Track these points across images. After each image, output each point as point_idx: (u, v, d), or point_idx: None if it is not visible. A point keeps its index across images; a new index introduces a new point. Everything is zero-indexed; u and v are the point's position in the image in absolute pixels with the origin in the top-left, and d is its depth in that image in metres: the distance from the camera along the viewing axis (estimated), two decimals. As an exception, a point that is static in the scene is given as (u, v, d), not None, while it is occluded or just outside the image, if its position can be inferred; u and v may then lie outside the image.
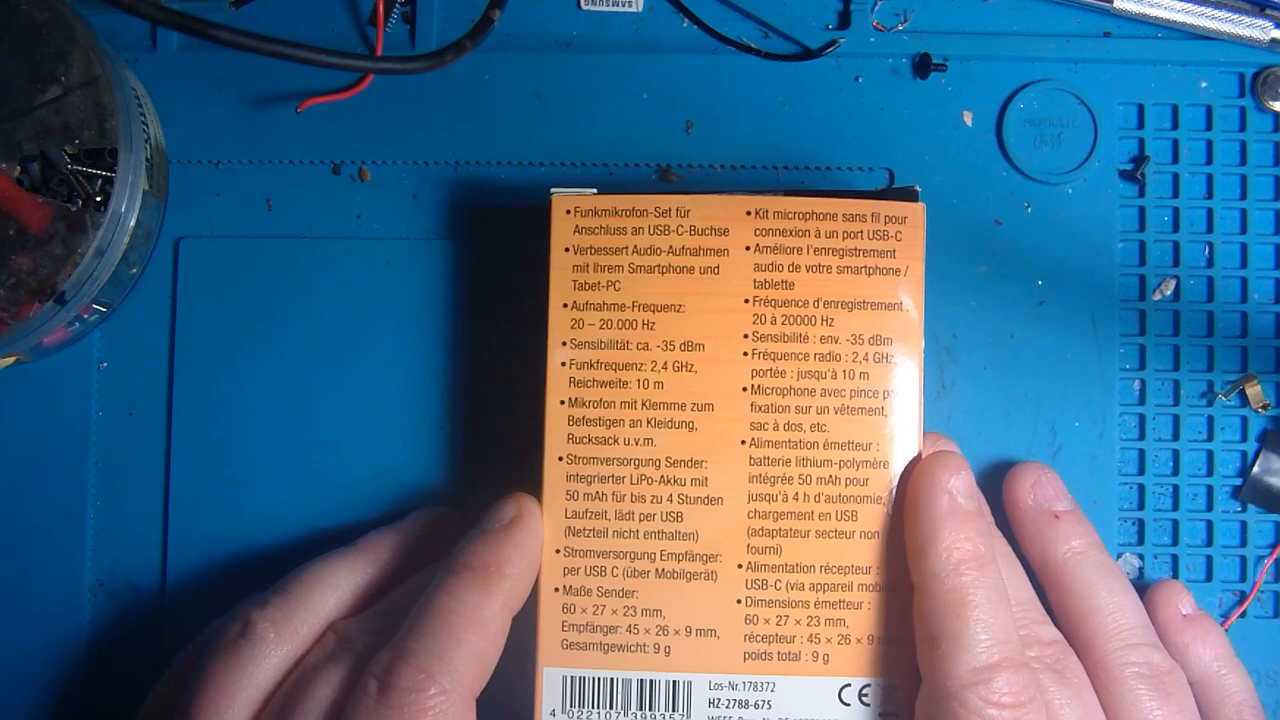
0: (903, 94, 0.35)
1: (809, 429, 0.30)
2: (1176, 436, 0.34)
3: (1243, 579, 0.34)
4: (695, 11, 0.35)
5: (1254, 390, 0.34)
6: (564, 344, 0.30)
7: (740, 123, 0.35)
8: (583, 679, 0.30)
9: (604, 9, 0.36)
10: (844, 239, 0.30)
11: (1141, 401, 0.34)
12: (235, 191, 0.35)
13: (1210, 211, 0.35)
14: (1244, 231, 0.35)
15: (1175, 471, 0.34)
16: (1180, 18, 0.35)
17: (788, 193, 0.31)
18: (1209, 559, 0.34)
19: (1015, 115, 0.35)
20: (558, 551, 0.30)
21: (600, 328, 0.30)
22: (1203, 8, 0.34)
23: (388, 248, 0.35)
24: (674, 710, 0.30)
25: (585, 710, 0.30)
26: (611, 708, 0.30)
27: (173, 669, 0.31)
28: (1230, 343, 0.34)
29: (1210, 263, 0.35)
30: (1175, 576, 0.34)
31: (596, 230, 0.30)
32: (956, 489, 0.29)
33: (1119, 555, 0.34)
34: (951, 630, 0.28)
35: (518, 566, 0.29)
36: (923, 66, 0.35)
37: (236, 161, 0.35)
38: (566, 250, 0.30)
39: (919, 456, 0.30)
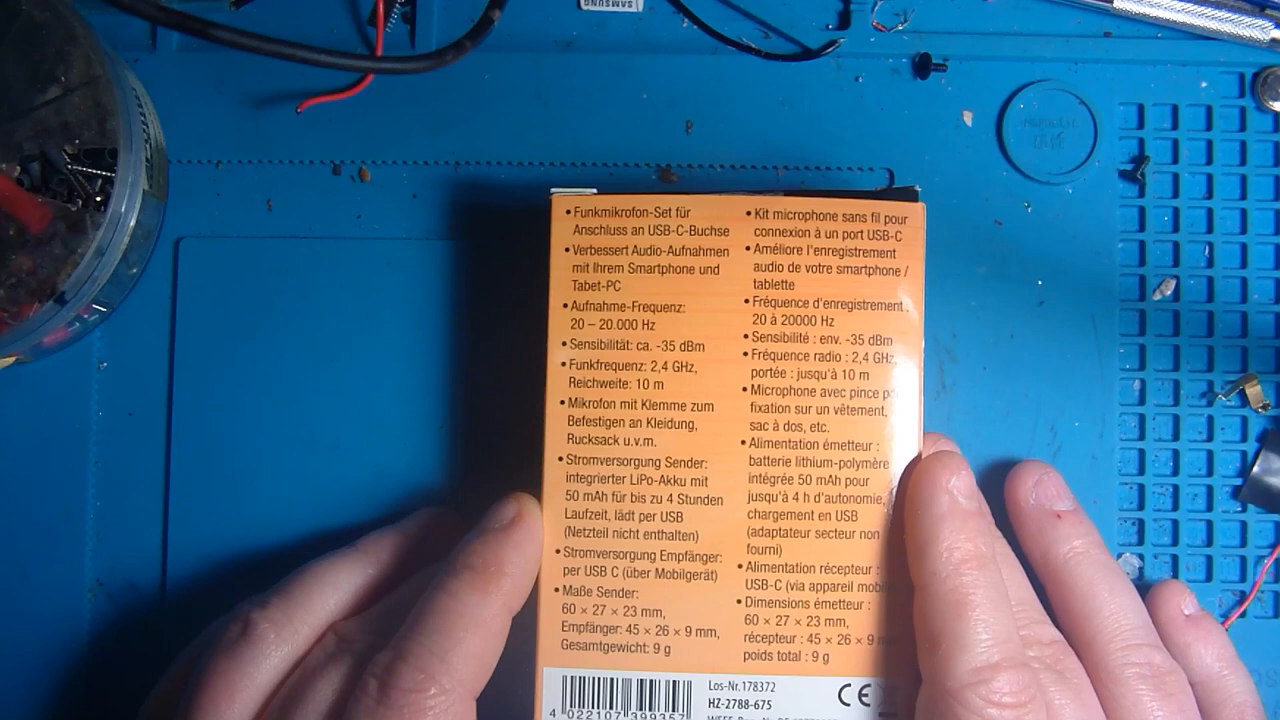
0: (903, 94, 0.35)
1: (809, 429, 0.30)
2: (1176, 436, 0.34)
3: (1243, 579, 0.34)
4: (695, 11, 0.35)
5: (1254, 390, 0.34)
6: (564, 344, 0.30)
7: (740, 123, 0.35)
8: (583, 679, 0.30)
9: (604, 9, 0.36)
10: (844, 239, 0.30)
11: (1141, 401, 0.34)
12: (235, 191, 0.35)
13: (1210, 211, 0.35)
14: (1244, 231, 0.35)
15: (1175, 471, 0.34)
16: (1180, 18, 0.35)
17: (788, 193, 0.31)
18: (1209, 559, 0.34)
19: (1015, 115, 0.35)
20: (558, 551, 0.30)
21: (600, 328, 0.30)
22: (1203, 8, 0.34)
23: (388, 248, 0.35)
24: (674, 710, 0.30)
25: (585, 710, 0.30)
26: (611, 708, 0.30)
27: (173, 669, 0.31)
28: (1230, 343, 0.34)
29: (1210, 263, 0.35)
30: (1175, 576, 0.34)
31: (596, 230, 0.30)
32: (957, 489, 0.29)
33: (1119, 555, 0.34)
34: (952, 630, 0.28)
35: (518, 566, 0.29)
36: (923, 66, 0.35)
37: (236, 161, 0.35)
38: (566, 250, 0.30)
39: (919, 456, 0.30)
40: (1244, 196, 0.35)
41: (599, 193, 0.31)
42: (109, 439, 0.35)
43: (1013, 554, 0.32)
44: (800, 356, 0.30)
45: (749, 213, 0.30)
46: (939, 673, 0.27)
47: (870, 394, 0.30)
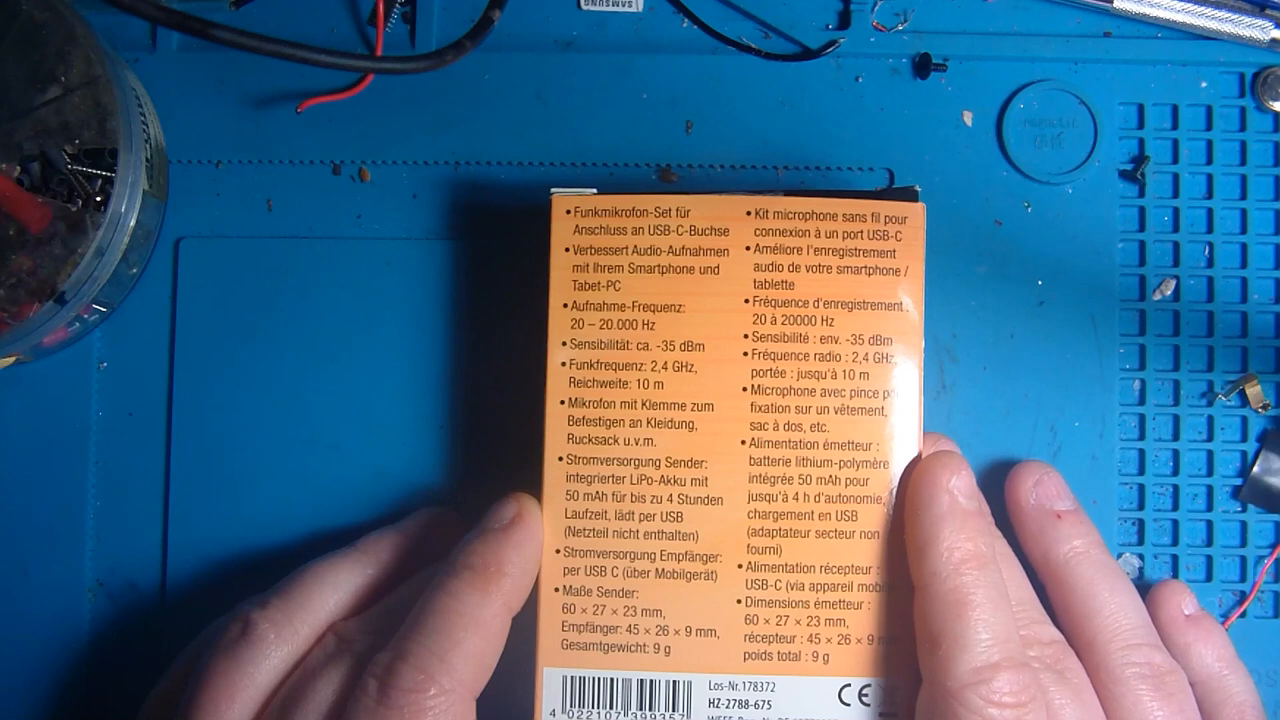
0: (903, 94, 0.35)
1: (809, 429, 0.30)
2: (1176, 436, 0.34)
3: (1243, 579, 0.34)
4: (695, 11, 0.35)
5: (1254, 390, 0.34)
6: (564, 344, 0.30)
7: (740, 123, 0.35)
8: (583, 679, 0.30)
9: (604, 9, 0.36)
10: (844, 239, 0.30)
11: (1141, 401, 0.34)
12: (235, 191, 0.35)
13: (1210, 211, 0.35)
14: (1244, 231, 0.35)
15: (1175, 471, 0.34)
16: (1180, 18, 0.35)
17: (788, 193, 0.31)
18: (1209, 559, 0.34)
19: (1015, 115, 0.35)
20: (558, 551, 0.30)
21: (600, 328, 0.30)
22: (1203, 8, 0.34)
23: (388, 248, 0.35)
24: (674, 710, 0.30)
25: (585, 710, 0.30)
26: (611, 708, 0.30)
27: (173, 669, 0.31)
28: (1230, 343, 0.34)
29: (1210, 263, 0.35)
30: (1175, 576, 0.34)
31: (596, 230, 0.30)
32: (957, 489, 0.29)
33: (1119, 555, 0.34)
34: (952, 630, 0.28)
35: (518, 566, 0.29)
36: (923, 66, 0.35)
37: (236, 161, 0.35)
38: (566, 250, 0.30)
39: (919, 456, 0.30)
40: (1244, 196, 0.35)
41: (599, 193, 0.31)
42: (109, 439, 0.35)
43: (1013, 554, 0.32)
44: (800, 356, 0.30)
45: (749, 213, 0.30)
46: (939, 673, 0.27)
47: (870, 394, 0.30)
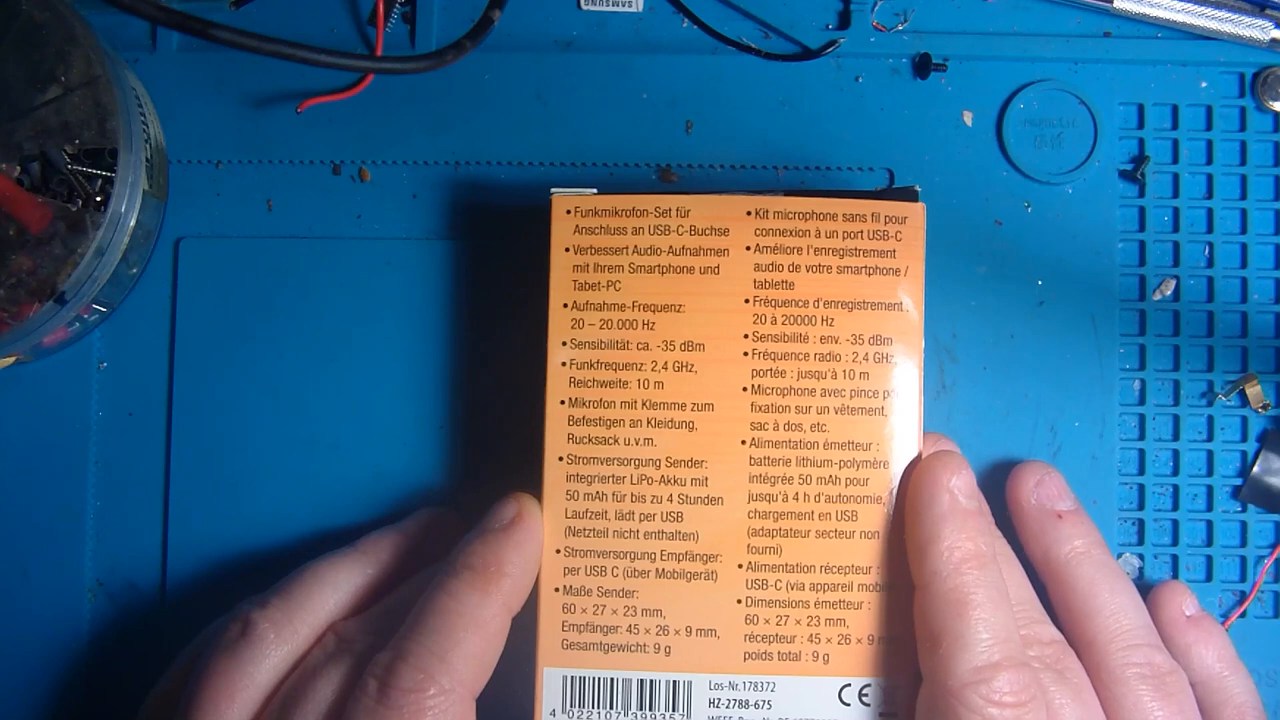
0: (903, 94, 0.35)
1: (809, 429, 0.30)
2: (1176, 436, 0.34)
3: (1243, 579, 0.34)
4: (695, 11, 0.35)
5: (1254, 390, 0.34)
6: (564, 344, 0.30)
7: (740, 123, 0.35)
8: (583, 679, 0.30)
9: (604, 9, 0.36)
10: (844, 239, 0.30)
11: (1141, 401, 0.34)
12: (235, 191, 0.35)
13: (1210, 211, 0.35)
14: (1244, 231, 0.35)
15: (1175, 471, 0.34)
16: (1180, 18, 0.35)
17: (788, 193, 0.31)
18: (1209, 559, 0.34)
19: (1015, 115, 0.35)
20: (558, 551, 0.30)
21: (600, 328, 0.30)
22: (1203, 8, 0.34)
23: (388, 248, 0.35)
24: (674, 710, 0.30)
25: (585, 710, 0.30)
26: (611, 708, 0.30)
27: (173, 669, 0.31)
28: (1230, 343, 0.34)
29: (1210, 263, 0.35)
30: (1175, 576, 0.34)
31: (596, 230, 0.30)
32: (957, 488, 0.29)
33: (1119, 555, 0.34)
34: (952, 630, 0.28)
35: (518, 566, 0.29)
36: (923, 66, 0.35)
37: (236, 161, 0.35)
38: (566, 250, 0.31)
39: (919, 456, 0.30)
40: (1244, 196, 0.35)
41: (599, 193, 0.31)
42: (109, 439, 0.35)
43: (1013, 553, 0.32)
44: (800, 356, 0.30)
45: (749, 213, 0.30)
46: (939, 672, 0.27)
47: (870, 394, 0.30)
